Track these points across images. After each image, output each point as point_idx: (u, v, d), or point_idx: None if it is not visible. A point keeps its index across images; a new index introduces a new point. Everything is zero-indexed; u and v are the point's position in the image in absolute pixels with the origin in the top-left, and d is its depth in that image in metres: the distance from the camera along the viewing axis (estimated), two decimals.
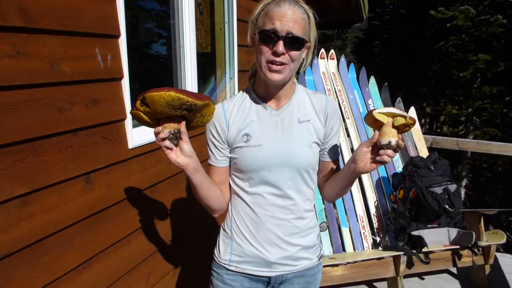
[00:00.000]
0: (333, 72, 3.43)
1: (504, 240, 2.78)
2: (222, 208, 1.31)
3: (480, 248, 2.73)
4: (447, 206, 2.49)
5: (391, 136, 1.06)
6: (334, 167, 1.32)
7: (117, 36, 1.55)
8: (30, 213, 1.26)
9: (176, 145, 1.06)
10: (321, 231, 2.65)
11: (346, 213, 2.94)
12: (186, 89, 1.04)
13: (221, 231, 1.36)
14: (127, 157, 1.66)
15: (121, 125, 1.62)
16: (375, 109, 1.08)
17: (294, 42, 1.10)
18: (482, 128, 7.78)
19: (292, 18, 1.09)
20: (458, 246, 2.70)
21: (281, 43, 1.08)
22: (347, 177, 1.22)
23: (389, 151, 1.06)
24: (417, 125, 3.49)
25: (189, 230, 2.16)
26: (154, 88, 0.95)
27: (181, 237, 2.09)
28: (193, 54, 2.12)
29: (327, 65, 3.43)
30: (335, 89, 3.36)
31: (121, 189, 1.65)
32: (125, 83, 1.61)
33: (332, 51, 3.56)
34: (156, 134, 1.04)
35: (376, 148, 1.10)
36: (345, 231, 2.88)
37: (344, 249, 2.82)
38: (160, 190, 1.89)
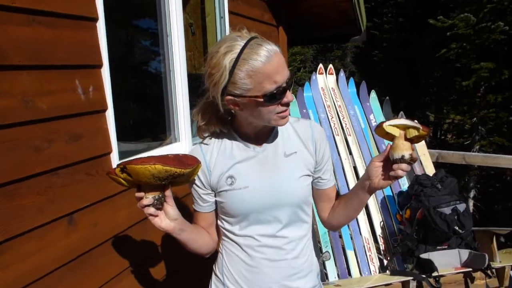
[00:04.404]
0: (332, 88, 3.34)
1: None
2: (213, 250, 1.23)
3: (494, 270, 2.59)
4: (457, 228, 2.37)
5: (404, 149, 1.01)
6: (335, 192, 1.25)
7: (99, 66, 1.47)
8: (5, 262, 1.16)
9: (160, 209, 0.98)
10: (325, 260, 2.53)
11: (350, 235, 2.81)
12: (172, 154, 0.94)
13: (213, 275, 1.27)
14: (115, 192, 1.56)
15: (107, 159, 1.53)
16: (385, 121, 1.03)
17: (290, 83, 1.04)
18: (489, 137, 7.60)
19: (283, 63, 1.01)
20: (470, 269, 2.56)
21: (288, 92, 1.02)
22: (360, 196, 1.13)
23: (403, 165, 1.00)
24: None
25: (183, 263, 2.04)
26: (137, 159, 0.87)
27: (174, 271, 1.98)
28: (184, 79, 2.03)
29: (326, 80, 3.34)
30: (335, 104, 3.26)
31: (108, 226, 1.55)
32: (110, 114, 1.52)
33: (330, 65, 3.47)
34: (139, 199, 0.95)
35: (389, 162, 1.03)
36: (351, 254, 2.75)
37: (350, 274, 2.69)
38: (150, 223, 1.78)
